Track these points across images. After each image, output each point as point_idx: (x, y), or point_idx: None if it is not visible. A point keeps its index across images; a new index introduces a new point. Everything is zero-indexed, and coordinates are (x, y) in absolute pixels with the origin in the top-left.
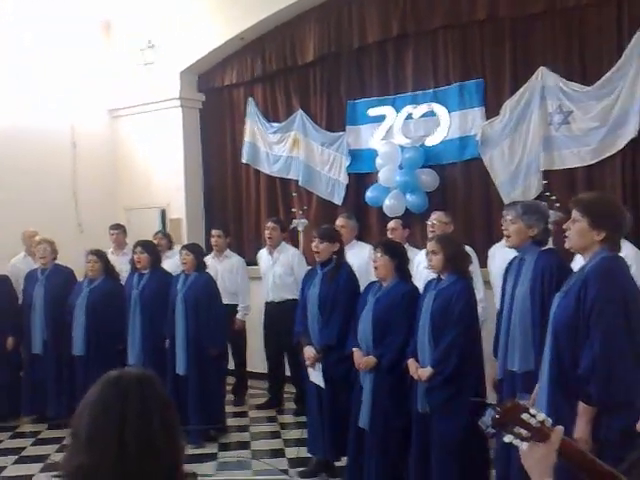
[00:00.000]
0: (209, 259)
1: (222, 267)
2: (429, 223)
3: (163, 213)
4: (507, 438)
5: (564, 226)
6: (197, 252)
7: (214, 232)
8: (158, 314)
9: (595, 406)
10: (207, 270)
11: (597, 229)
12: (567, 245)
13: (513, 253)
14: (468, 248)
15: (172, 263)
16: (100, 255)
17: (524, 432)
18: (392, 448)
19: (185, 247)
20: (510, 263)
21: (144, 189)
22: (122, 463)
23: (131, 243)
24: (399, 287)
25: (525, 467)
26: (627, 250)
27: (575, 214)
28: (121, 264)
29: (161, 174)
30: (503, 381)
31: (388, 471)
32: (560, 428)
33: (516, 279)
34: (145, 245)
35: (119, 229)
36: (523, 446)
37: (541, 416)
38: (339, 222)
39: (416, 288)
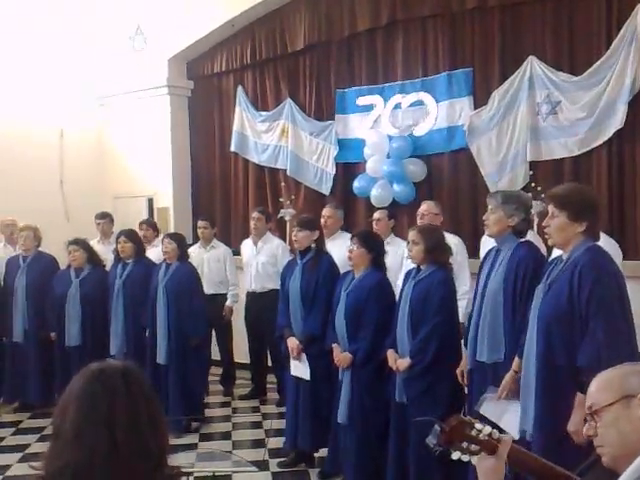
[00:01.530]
0: (195, 249)
1: (208, 256)
2: (419, 213)
3: (150, 202)
4: (455, 455)
5: (543, 223)
6: (180, 241)
7: (200, 223)
8: (141, 304)
9: None
10: (192, 259)
11: (578, 221)
12: (550, 242)
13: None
14: (457, 239)
15: (158, 252)
16: (81, 244)
17: (473, 447)
18: (371, 442)
19: (167, 236)
20: (487, 253)
21: (132, 177)
22: (113, 460)
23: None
24: (369, 278)
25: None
26: (602, 239)
27: (552, 209)
28: (108, 253)
29: (149, 162)
30: (473, 371)
31: (367, 464)
32: (508, 438)
33: (490, 270)
34: (129, 234)
35: (105, 218)
36: (474, 460)
37: (487, 429)
38: (325, 212)
39: (386, 278)
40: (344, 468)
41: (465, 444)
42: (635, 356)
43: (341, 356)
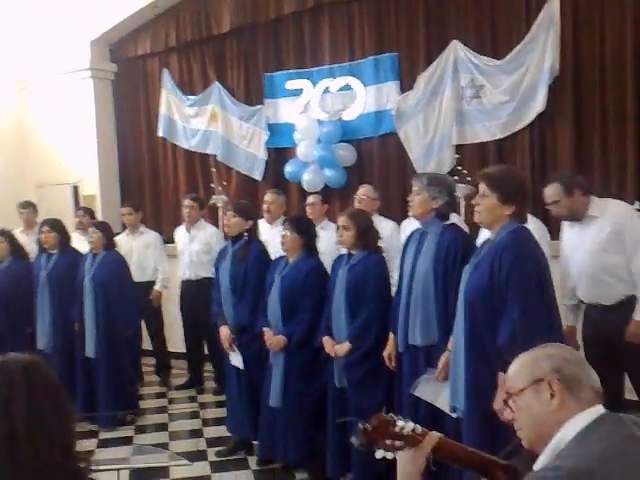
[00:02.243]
0: (123, 236)
1: (137, 243)
2: (356, 197)
3: (76, 189)
4: (379, 454)
5: (472, 201)
6: (105, 230)
7: (123, 210)
8: (68, 296)
9: None
10: (120, 248)
11: (507, 204)
12: (476, 219)
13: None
14: (393, 224)
15: None
16: (5, 235)
17: (397, 443)
18: (306, 425)
19: (93, 225)
20: (410, 236)
21: (55, 164)
22: (14, 451)
23: None
24: (304, 263)
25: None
26: (528, 222)
27: (484, 188)
28: (32, 244)
29: (73, 149)
30: (404, 355)
31: (303, 447)
32: (434, 433)
33: (417, 252)
34: (52, 223)
35: (29, 207)
36: (399, 457)
37: (410, 425)
38: (267, 198)
39: (321, 263)
40: (278, 451)
41: (389, 441)
42: (552, 336)
43: (274, 339)
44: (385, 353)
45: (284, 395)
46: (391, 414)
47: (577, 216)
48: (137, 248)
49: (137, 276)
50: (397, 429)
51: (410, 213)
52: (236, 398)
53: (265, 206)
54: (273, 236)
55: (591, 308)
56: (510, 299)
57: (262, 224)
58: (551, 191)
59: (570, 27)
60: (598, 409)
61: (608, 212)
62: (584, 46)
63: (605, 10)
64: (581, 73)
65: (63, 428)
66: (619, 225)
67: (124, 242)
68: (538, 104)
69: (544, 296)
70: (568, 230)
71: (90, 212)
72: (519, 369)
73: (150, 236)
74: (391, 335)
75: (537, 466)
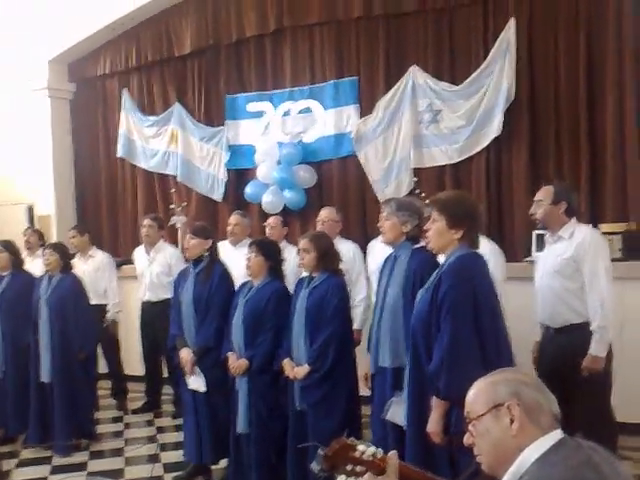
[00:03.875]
0: (75, 260)
1: (88, 267)
2: (319, 220)
3: (30, 210)
4: (340, 479)
5: (425, 227)
6: (62, 251)
7: (69, 232)
8: (20, 319)
9: (444, 400)
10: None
11: (454, 228)
12: (429, 246)
13: (390, 249)
14: (354, 245)
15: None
16: None
17: (358, 468)
18: (271, 451)
19: (49, 246)
20: (386, 260)
21: (9, 184)
22: None
23: None
24: (268, 287)
25: None
26: (483, 245)
27: (434, 214)
28: None
29: (28, 168)
30: (375, 376)
31: (269, 473)
32: (393, 455)
33: (389, 276)
34: (5, 244)
35: None
36: None
37: (371, 450)
38: (232, 220)
39: (285, 287)
40: (247, 477)
41: (350, 466)
42: (477, 367)
43: (237, 363)
44: (361, 374)
45: (249, 421)
46: (352, 438)
47: (547, 226)
48: (88, 271)
49: (91, 299)
50: (357, 454)
51: (381, 239)
52: (192, 423)
53: (229, 228)
54: (237, 258)
55: (545, 329)
56: (442, 323)
57: (225, 245)
58: (543, 191)
59: (525, 54)
60: (557, 433)
61: (575, 237)
62: (539, 72)
63: (559, 34)
64: (536, 98)
65: None
66: (581, 253)
67: (76, 265)
68: (494, 128)
69: (477, 325)
70: (545, 249)
71: (39, 233)
72: (478, 394)
73: (99, 258)
74: (369, 356)
75: None
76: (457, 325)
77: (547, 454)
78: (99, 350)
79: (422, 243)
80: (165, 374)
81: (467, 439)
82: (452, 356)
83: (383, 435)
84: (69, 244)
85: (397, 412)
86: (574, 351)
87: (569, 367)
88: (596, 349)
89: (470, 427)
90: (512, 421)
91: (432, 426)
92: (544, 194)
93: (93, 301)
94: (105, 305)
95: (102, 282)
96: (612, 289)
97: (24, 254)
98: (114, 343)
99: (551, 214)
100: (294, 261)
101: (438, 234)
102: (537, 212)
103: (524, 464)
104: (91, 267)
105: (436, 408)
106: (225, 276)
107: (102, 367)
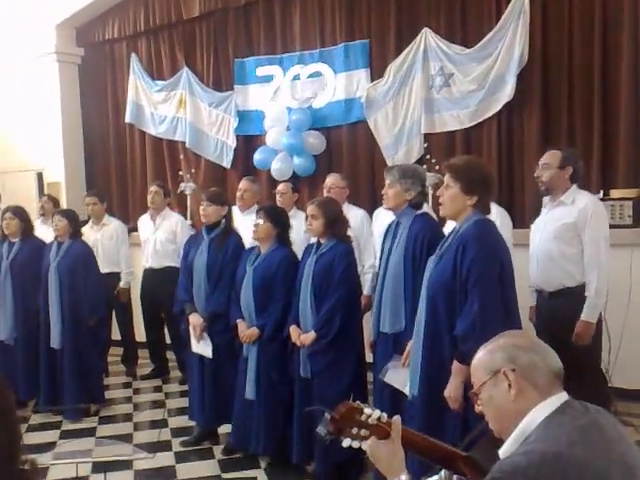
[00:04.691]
0: (87, 228)
1: (101, 235)
2: (325, 186)
3: (40, 176)
4: (345, 442)
5: (437, 193)
6: (71, 218)
7: (88, 200)
8: (31, 285)
9: (470, 365)
10: (85, 240)
11: (469, 194)
12: (441, 212)
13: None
14: (363, 212)
15: None
16: None
17: (363, 432)
18: (279, 417)
19: (58, 212)
20: (388, 227)
21: (19, 151)
22: None
23: None
24: (276, 253)
25: (379, 469)
26: (492, 209)
27: (448, 179)
28: None
29: (37, 135)
30: (377, 342)
31: (275, 439)
32: (397, 419)
33: (392, 243)
34: (15, 210)
35: None
36: (364, 445)
37: (376, 414)
38: (242, 185)
39: (294, 254)
40: (252, 441)
41: (355, 430)
42: (509, 327)
43: (248, 332)
44: (369, 340)
45: (258, 387)
46: (358, 402)
47: (550, 190)
48: (101, 240)
49: (104, 267)
50: (363, 417)
51: (384, 206)
52: (200, 387)
53: (239, 193)
54: (245, 224)
55: (538, 293)
56: (470, 292)
57: (233, 211)
58: (550, 155)
59: (539, 17)
60: (561, 396)
61: (576, 203)
62: (553, 36)
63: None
64: (549, 63)
65: (7, 430)
66: (583, 219)
67: (88, 234)
68: (506, 93)
69: (503, 292)
70: (542, 214)
71: (54, 200)
72: (478, 363)
73: (113, 226)
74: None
75: (502, 454)
76: (488, 293)
77: (553, 415)
78: (113, 317)
79: (424, 209)
80: (168, 340)
81: (477, 408)
82: (483, 322)
83: (378, 398)
84: (85, 210)
85: (394, 376)
86: (568, 315)
87: (565, 330)
88: (587, 314)
89: (477, 397)
90: (510, 386)
91: (452, 391)
92: (551, 158)
93: (107, 269)
94: (117, 273)
95: (115, 250)
96: (609, 258)
97: (39, 221)
98: (126, 310)
99: (557, 178)
100: (304, 227)
101: (452, 200)
102: (542, 175)
103: (530, 425)
104: (105, 236)
105: (458, 373)
106: (239, 244)
107: (116, 334)
